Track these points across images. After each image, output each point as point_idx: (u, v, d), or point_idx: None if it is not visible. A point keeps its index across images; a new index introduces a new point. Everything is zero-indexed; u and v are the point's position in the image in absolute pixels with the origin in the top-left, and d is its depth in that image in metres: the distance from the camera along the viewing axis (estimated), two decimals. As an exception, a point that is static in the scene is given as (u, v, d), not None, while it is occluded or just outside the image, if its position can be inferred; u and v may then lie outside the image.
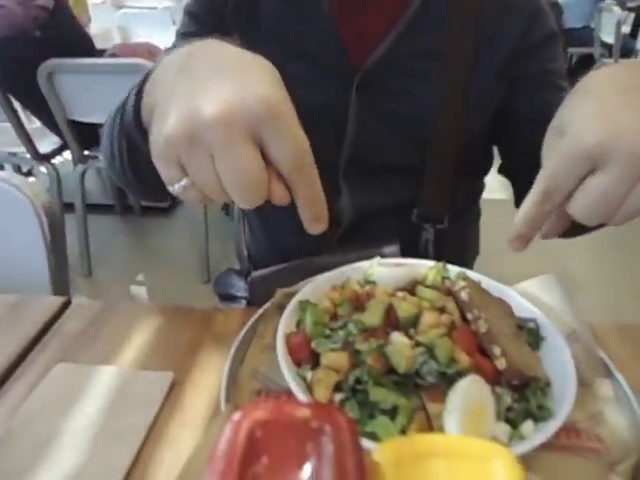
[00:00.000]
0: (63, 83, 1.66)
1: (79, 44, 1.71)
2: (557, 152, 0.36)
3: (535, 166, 0.66)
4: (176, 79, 0.33)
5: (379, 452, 0.20)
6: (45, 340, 0.52)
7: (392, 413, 0.37)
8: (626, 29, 3.80)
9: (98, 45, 1.85)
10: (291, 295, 0.47)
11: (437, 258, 0.52)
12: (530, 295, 0.49)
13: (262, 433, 0.18)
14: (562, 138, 0.36)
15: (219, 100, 0.29)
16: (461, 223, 0.77)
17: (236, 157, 0.29)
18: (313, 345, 0.41)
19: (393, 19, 0.64)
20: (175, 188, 0.33)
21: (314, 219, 0.33)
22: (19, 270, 0.77)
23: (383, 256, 0.54)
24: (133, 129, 0.45)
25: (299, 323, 0.45)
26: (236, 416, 0.19)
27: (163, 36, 2.21)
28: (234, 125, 0.29)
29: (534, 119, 0.66)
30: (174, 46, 0.69)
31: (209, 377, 0.47)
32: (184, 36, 0.69)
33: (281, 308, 0.46)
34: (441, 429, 0.35)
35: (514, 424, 0.36)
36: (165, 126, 0.31)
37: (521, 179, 0.72)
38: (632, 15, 4.03)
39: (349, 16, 0.65)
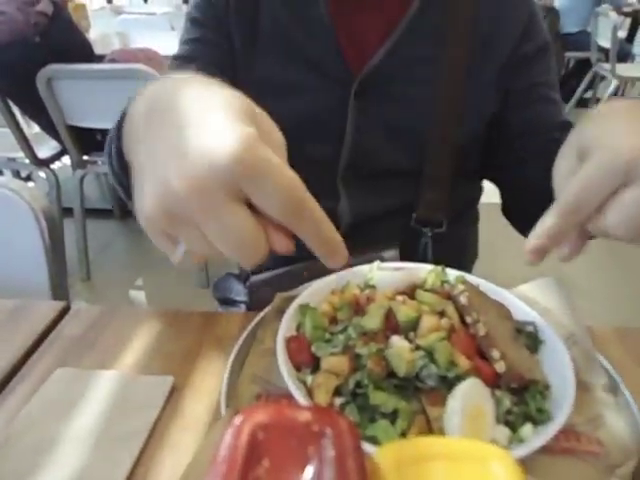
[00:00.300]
0: (62, 88, 1.66)
1: (78, 50, 1.72)
2: (588, 166, 0.35)
3: (523, 178, 0.67)
4: (142, 135, 0.31)
5: (379, 455, 0.21)
6: (44, 345, 0.52)
7: (392, 417, 0.37)
8: (622, 34, 3.83)
9: (97, 51, 1.86)
10: (290, 299, 0.47)
11: (436, 262, 0.52)
12: (528, 298, 0.49)
13: (263, 436, 0.18)
14: (591, 153, 0.36)
15: (186, 167, 0.26)
16: (460, 227, 0.77)
17: (221, 223, 0.26)
18: (313, 349, 0.41)
19: (391, 26, 0.64)
20: (174, 259, 0.30)
21: (329, 255, 0.29)
22: (18, 275, 0.77)
23: (382, 260, 0.54)
24: (119, 173, 0.45)
25: (299, 327, 0.45)
26: (237, 420, 0.19)
27: (162, 41, 2.22)
28: (208, 192, 0.26)
29: (525, 133, 0.69)
30: (178, 56, 0.69)
31: (209, 381, 0.47)
32: (188, 43, 0.69)
33: (281, 312, 0.46)
34: (441, 432, 0.35)
35: (513, 427, 0.36)
36: (142, 204, 0.29)
37: (508, 189, 0.74)
38: (628, 20, 4.06)
39: (347, 23, 0.65)
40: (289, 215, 0.27)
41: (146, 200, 0.28)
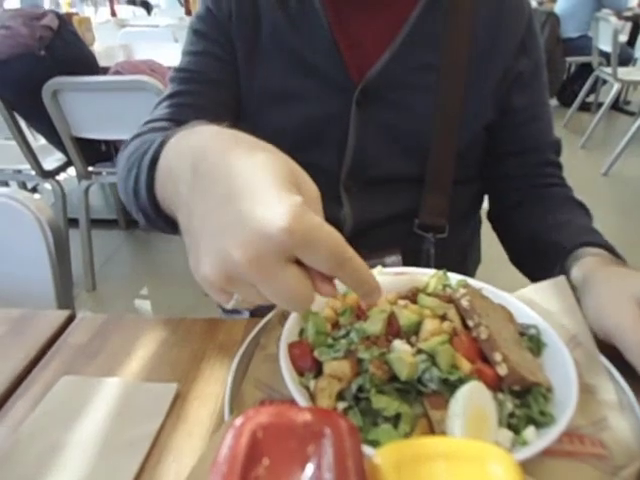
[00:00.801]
0: (67, 101, 1.68)
1: (83, 62, 1.74)
2: None
3: (511, 191, 0.73)
4: (187, 197, 0.33)
5: (379, 455, 0.21)
6: (50, 354, 0.53)
7: (395, 421, 0.37)
8: (623, 38, 3.84)
9: (102, 63, 1.88)
10: (293, 305, 0.47)
11: (438, 267, 0.52)
12: (531, 301, 0.49)
13: (264, 435, 0.18)
14: None
15: (243, 240, 0.29)
16: (462, 232, 0.78)
17: (277, 284, 0.29)
18: (316, 354, 0.41)
19: (391, 33, 0.65)
20: (228, 306, 0.34)
21: (367, 295, 0.33)
22: (24, 285, 0.78)
23: (385, 266, 0.54)
24: (148, 207, 0.46)
25: (301, 333, 0.45)
26: (238, 421, 0.20)
27: (165, 53, 2.24)
28: (265, 261, 0.29)
29: (519, 151, 0.72)
30: (180, 69, 0.70)
31: (213, 388, 0.48)
32: (190, 55, 0.70)
33: (284, 318, 0.46)
34: (444, 436, 0.35)
35: (516, 430, 0.36)
36: (199, 269, 0.31)
37: (497, 195, 0.78)
38: (629, 24, 4.07)
39: (348, 31, 0.66)
40: (334, 268, 0.30)
41: (205, 266, 0.31)
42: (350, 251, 0.30)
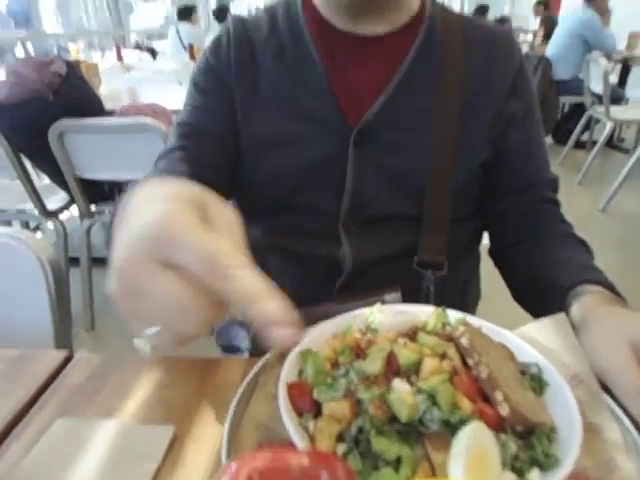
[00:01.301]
0: (73, 142, 1.72)
1: (89, 106, 1.79)
2: None
3: (508, 230, 0.74)
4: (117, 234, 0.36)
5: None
6: (47, 394, 0.52)
7: (396, 464, 0.36)
8: (614, 79, 3.96)
9: (108, 106, 1.94)
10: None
11: (438, 304, 0.52)
12: (531, 339, 0.49)
13: (260, 479, 0.18)
14: None
15: (120, 245, 0.32)
16: (461, 269, 0.78)
17: (156, 289, 0.30)
18: (315, 394, 0.41)
19: (386, 77, 0.68)
20: (145, 336, 0.34)
21: (259, 315, 0.30)
22: (22, 324, 0.77)
23: (384, 303, 0.54)
24: None
25: (301, 372, 0.45)
26: (234, 465, 0.20)
27: (170, 96, 2.31)
28: (137, 261, 0.30)
29: (515, 190, 0.74)
30: (181, 123, 0.72)
31: (211, 430, 0.47)
32: (191, 109, 0.72)
33: (282, 357, 0.46)
34: (445, 479, 0.34)
35: (520, 473, 0.35)
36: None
37: (496, 233, 0.79)
38: (619, 66, 4.20)
39: (344, 77, 0.69)
40: (207, 275, 0.29)
41: (111, 285, 0.32)
42: (229, 261, 0.29)
